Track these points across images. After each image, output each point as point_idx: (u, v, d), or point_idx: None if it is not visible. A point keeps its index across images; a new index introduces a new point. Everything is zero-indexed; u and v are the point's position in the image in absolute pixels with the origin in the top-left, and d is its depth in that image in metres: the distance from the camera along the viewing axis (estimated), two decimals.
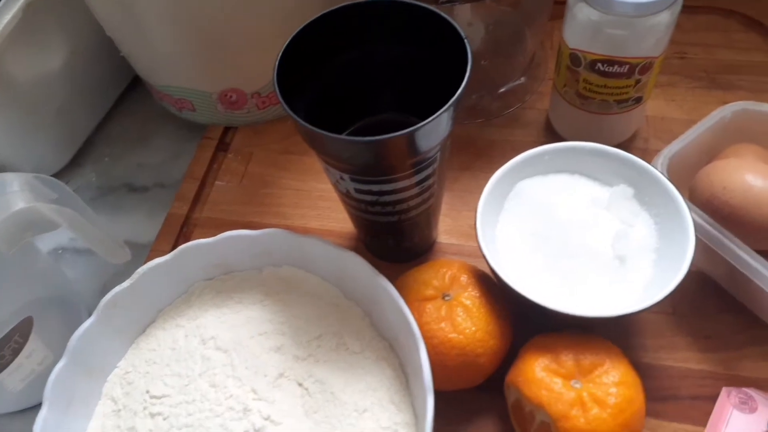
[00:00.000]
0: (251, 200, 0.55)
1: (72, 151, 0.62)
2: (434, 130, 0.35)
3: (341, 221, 0.53)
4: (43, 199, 0.40)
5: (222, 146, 0.60)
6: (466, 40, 0.35)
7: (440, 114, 0.33)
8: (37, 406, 0.48)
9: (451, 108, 0.34)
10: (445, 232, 0.51)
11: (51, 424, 0.36)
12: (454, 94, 0.34)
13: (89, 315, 0.51)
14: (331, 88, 0.40)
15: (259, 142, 0.59)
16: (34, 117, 0.57)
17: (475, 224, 0.40)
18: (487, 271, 0.43)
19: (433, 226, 0.47)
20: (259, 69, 0.54)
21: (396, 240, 0.46)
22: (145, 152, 0.63)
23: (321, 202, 0.54)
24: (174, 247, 0.53)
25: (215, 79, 0.55)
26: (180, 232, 0.54)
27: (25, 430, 0.48)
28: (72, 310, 0.49)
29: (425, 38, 0.38)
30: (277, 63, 0.36)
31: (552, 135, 0.55)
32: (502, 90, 0.57)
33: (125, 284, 0.40)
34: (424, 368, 0.35)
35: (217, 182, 0.57)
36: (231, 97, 0.56)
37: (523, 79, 0.58)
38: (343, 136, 0.33)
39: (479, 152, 0.54)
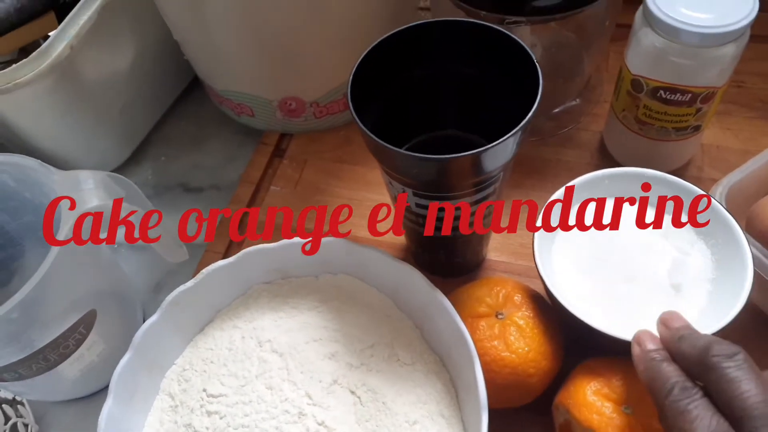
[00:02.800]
0: (305, 207, 0.56)
1: (131, 149, 0.64)
2: (501, 152, 0.35)
3: (391, 232, 0.54)
4: (114, 196, 0.42)
5: (278, 152, 0.61)
6: (537, 64, 0.36)
7: (509, 137, 0.34)
8: (89, 397, 0.50)
9: (519, 131, 0.35)
10: (494, 249, 0.51)
11: (115, 416, 0.37)
12: (518, 115, 0.34)
13: (144, 311, 0.53)
14: (397, 102, 0.41)
15: (314, 149, 0.60)
16: (100, 115, 0.59)
17: (532, 245, 0.41)
18: (540, 291, 0.43)
19: (485, 243, 0.48)
20: (321, 79, 0.55)
21: (447, 255, 0.46)
22: (201, 154, 0.64)
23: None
24: (228, 249, 0.55)
25: (277, 87, 0.56)
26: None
27: (77, 419, 0.50)
28: (128, 306, 0.50)
29: (494, 59, 0.39)
30: (351, 77, 0.37)
31: (605, 157, 0.55)
32: (556, 110, 0.58)
33: (189, 284, 0.41)
34: (479, 384, 0.35)
35: (272, 187, 0.58)
36: (290, 105, 0.57)
37: (577, 100, 0.58)
38: (412, 153, 0.34)
39: (532, 171, 0.55)
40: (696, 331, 0.33)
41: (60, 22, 0.53)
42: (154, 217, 0.44)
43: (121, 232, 0.58)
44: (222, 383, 0.40)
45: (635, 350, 0.34)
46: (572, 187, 0.43)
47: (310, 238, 0.43)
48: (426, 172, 0.35)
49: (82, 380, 0.48)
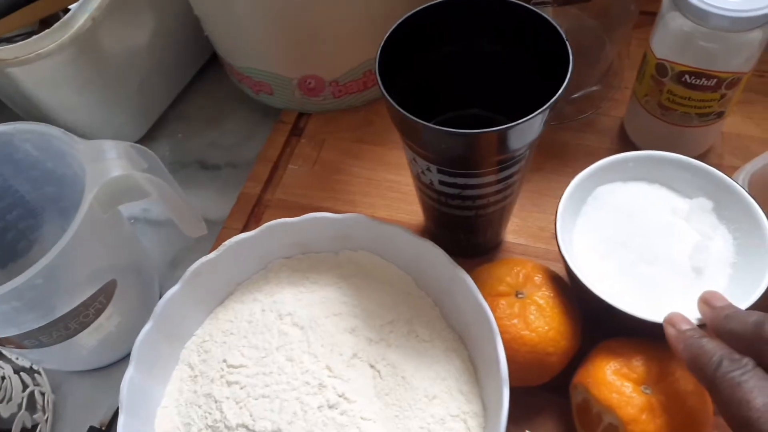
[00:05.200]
0: (322, 186, 0.57)
1: (148, 124, 0.64)
2: (528, 130, 0.35)
3: (409, 212, 0.54)
4: (137, 167, 0.42)
5: (295, 131, 0.61)
6: (567, 43, 0.36)
7: (537, 114, 0.34)
8: (104, 368, 0.51)
9: (548, 109, 0.35)
10: (512, 231, 0.51)
11: (136, 383, 0.37)
12: (543, 96, 0.34)
13: (160, 286, 0.53)
14: (423, 79, 0.41)
15: (332, 129, 0.60)
16: (118, 89, 0.59)
17: (555, 225, 0.41)
18: (559, 273, 0.43)
19: (504, 224, 0.48)
20: (341, 58, 0.55)
21: (467, 235, 0.46)
22: (218, 132, 0.64)
23: (390, 193, 0.55)
24: (245, 226, 0.55)
25: (297, 65, 0.56)
26: (252, 211, 0.56)
27: (93, 389, 0.50)
28: (146, 279, 0.50)
29: (522, 38, 0.39)
30: (378, 52, 0.37)
31: (625, 143, 0.55)
32: (576, 95, 0.57)
33: (211, 255, 0.41)
34: (500, 360, 0.35)
35: (290, 166, 0.58)
36: (310, 83, 0.57)
37: (598, 86, 0.58)
38: (442, 127, 0.34)
39: (551, 154, 0.55)
40: (740, 309, 0.33)
41: None
42: (177, 189, 0.45)
43: (139, 204, 0.59)
44: (242, 354, 0.40)
45: (670, 331, 0.34)
46: (595, 168, 0.43)
47: (331, 213, 0.43)
48: (454, 147, 0.35)
49: (99, 351, 0.48)
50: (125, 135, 0.62)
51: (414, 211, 0.53)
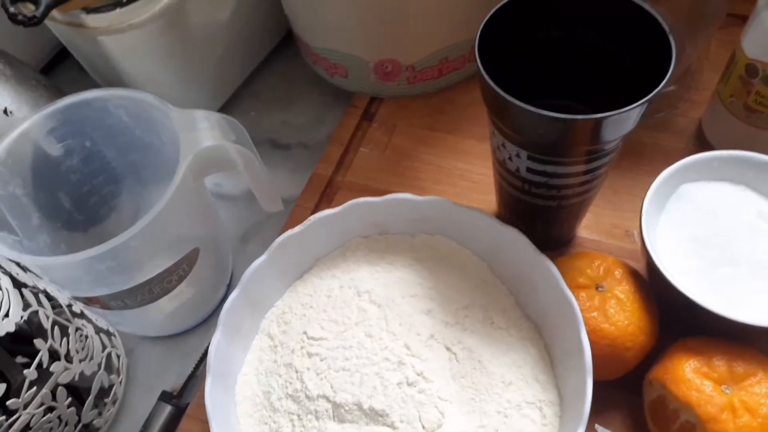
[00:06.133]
0: (393, 170, 0.57)
1: (222, 100, 0.65)
2: (625, 121, 0.35)
3: (480, 202, 0.53)
4: (227, 139, 0.43)
5: (367, 115, 0.62)
6: (670, 36, 0.36)
7: (637, 106, 0.34)
8: (175, 336, 0.52)
9: (646, 103, 0.35)
10: (585, 227, 0.51)
11: (222, 348, 0.39)
12: (636, 91, 0.34)
13: (232, 258, 0.54)
14: (516, 65, 0.41)
15: (404, 115, 0.61)
16: (198, 64, 0.60)
17: (640, 221, 0.41)
18: (638, 269, 0.43)
19: (581, 217, 0.48)
20: (421, 43, 0.56)
21: (544, 225, 0.46)
22: (290, 112, 0.65)
23: (461, 182, 0.56)
24: (317, 206, 0.56)
25: (376, 48, 0.56)
26: (323, 192, 0.56)
27: (164, 355, 0.52)
28: (222, 251, 0.52)
29: (621, 30, 0.39)
30: (478, 34, 0.37)
31: (703, 144, 0.54)
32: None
33: (297, 229, 0.42)
34: (585, 349, 0.36)
35: (361, 149, 0.59)
36: (386, 67, 0.58)
37: (675, 86, 0.58)
38: (543, 111, 0.34)
39: (627, 152, 0.54)
40: None
41: None
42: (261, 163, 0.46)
43: (212, 179, 0.60)
44: (322, 327, 0.40)
45: None
46: (681, 165, 0.43)
47: (414, 195, 0.43)
48: (551, 132, 0.36)
49: (173, 317, 0.50)
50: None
51: (485, 201, 0.53)
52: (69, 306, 0.44)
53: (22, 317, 0.38)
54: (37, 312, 0.40)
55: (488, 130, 0.42)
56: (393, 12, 0.53)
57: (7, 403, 0.38)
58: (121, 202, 0.54)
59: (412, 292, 0.42)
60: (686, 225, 0.42)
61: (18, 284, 0.40)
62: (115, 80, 0.58)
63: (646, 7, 0.37)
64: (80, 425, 0.45)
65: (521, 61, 0.42)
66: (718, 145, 0.53)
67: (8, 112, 0.48)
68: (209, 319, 0.53)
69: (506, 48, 0.40)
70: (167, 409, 0.47)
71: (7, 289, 0.38)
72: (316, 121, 0.64)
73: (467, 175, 0.56)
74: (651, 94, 0.34)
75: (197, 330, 0.52)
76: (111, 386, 0.47)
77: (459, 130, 0.59)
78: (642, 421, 0.41)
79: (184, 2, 0.53)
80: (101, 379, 0.46)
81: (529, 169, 0.40)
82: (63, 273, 0.40)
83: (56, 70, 0.71)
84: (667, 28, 0.36)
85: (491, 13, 0.38)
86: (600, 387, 0.42)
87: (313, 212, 0.55)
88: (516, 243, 0.41)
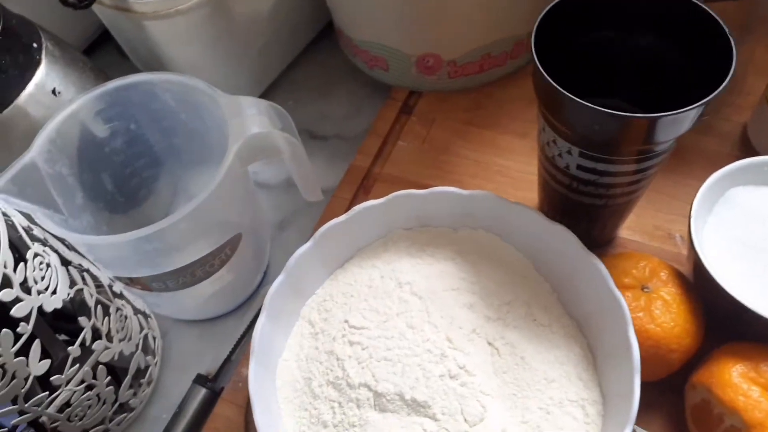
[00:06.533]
0: (431, 164, 0.57)
1: (261, 89, 0.65)
2: (681, 123, 0.35)
3: (520, 198, 0.52)
4: (274, 126, 0.43)
5: (405, 108, 0.61)
6: (732, 38, 0.35)
7: (695, 107, 0.34)
8: (209, 321, 0.52)
9: (704, 105, 0.34)
10: (627, 228, 0.51)
11: (267, 332, 0.39)
12: (691, 93, 0.34)
13: (270, 245, 0.55)
14: (569, 61, 0.41)
15: (442, 109, 0.60)
16: (240, 52, 0.60)
17: (689, 222, 0.40)
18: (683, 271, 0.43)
19: (626, 217, 0.47)
20: (464, 38, 0.55)
21: (588, 224, 0.46)
22: (328, 103, 0.65)
23: (499, 177, 0.55)
24: (354, 197, 0.56)
25: (419, 43, 0.56)
26: (361, 183, 0.56)
27: (199, 339, 0.52)
28: (260, 239, 0.52)
29: (676, 30, 0.38)
30: (535, 29, 0.37)
31: (747, 149, 0.53)
32: None
33: (342, 218, 0.42)
34: (633, 348, 0.36)
35: (399, 142, 0.59)
36: (428, 61, 0.57)
37: None
38: (601, 108, 0.34)
39: (671, 155, 0.54)
40: None
41: None
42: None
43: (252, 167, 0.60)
44: (363, 317, 0.40)
45: None
46: (730, 169, 0.42)
47: (459, 189, 0.43)
48: (607, 130, 0.35)
49: (211, 302, 0.50)
50: None
51: (523, 197, 0.53)
52: (110, 286, 0.45)
53: (69, 294, 0.39)
54: (81, 290, 0.40)
55: (538, 126, 0.41)
56: (435, 7, 0.53)
57: (51, 379, 0.39)
58: (159, 186, 0.55)
59: (453, 285, 0.42)
60: (734, 229, 0.42)
61: (65, 262, 0.40)
62: (155, 65, 0.59)
63: (706, 7, 0.37)
64: (117, 404, 0.45)
65: (574, 58, 0.41)
66: (764, 151, 0.52)
67: (56, 93, 0.48)
68: (243, 305, 0.53)
69: (560, 44, 0.40)
70: (202, 392, 0.47)
71: (55, 266, 0.38)
72: (354, 113, 0.64)
73: (505, 171, 0.56)
74: (711, 95, 0.33)
75: (232, 315, 0.53)
76: (147, 367, 0.48)
77: (498, 125, 0.58)
78: (683, 424, 0.41)
79: None
80: (138, 359, 0.46)
81: (579, 167, 0.39)
82: (110, 252, 0.41)
83: (97, 53, 0.71)
84: (727, 29, 0.36)
85: (548, 8, 0.38)
86: (641, 388, 0.42)
87: (351, 203, 0.56)
88: (563, 240, 0.40)
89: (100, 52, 0.72)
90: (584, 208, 0.43)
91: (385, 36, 0.57)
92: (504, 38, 0.57)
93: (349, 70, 0.66)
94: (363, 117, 0.63)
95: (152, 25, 0.53)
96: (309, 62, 0.68)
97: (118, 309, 0.44)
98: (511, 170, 0.56)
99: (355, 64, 0.64)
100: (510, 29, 0.56)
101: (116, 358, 0.43)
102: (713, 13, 0.37)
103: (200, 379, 0.48)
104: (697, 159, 0.54)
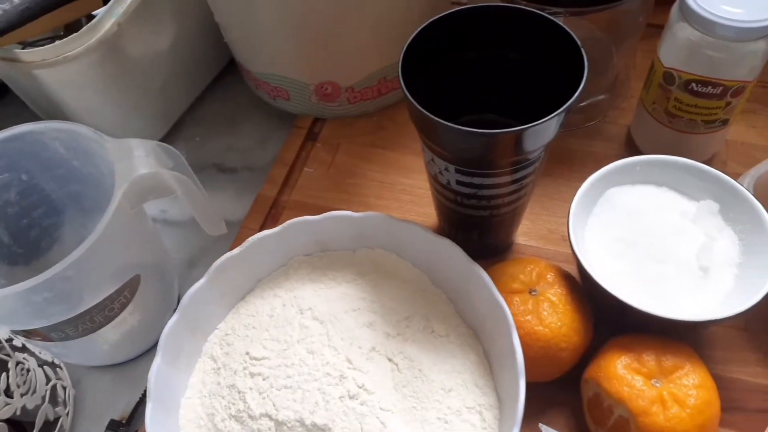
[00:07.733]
0: (337, 188, 0.58)
1: (166, 128, 0.66)
2: (544, 132, 0.37)
3: (422, 215, 0.55)
4: (164, 165, 0.43)
5: (311, 135, 0.63)
6: (582, 50, 0.37)
7: (553, 116, 0.36)
8: (123, 364, 0.52)
9: (563, 113, 0.36)
10: (523, 234, 0.53)
11: (163, 372, 0.39)
12: (555, 102, 0.36)
13: (179, 283, 0.55)
14: (440, 83, 0.43)
15: (347, 134, 0.62)
16: (139, 93, 0.60)
17: (567, 225, 0.42)
18: (571, 272, 0.45)
19: (516, 225, 0.49)
20: (358, 64, 0.57)
21: (481, 235, 0.48)
22: (235, 136, 0.66)
23: (403, 196, 0.57)
24: (262, 226, 0.57)
25: (315, 71, 0.58)
26: (269, 212, 0.57)
27: (113, 384, 0.51)
28: (166, 277, 0.52)
29: (538, 46, 0.41)
30: (402, 55, 0.39)
31: (632, 150, 0.56)
32: (584, 104, 0.59)
33: (235, 251, 0.43)
34: (517, 352, 0.37)
35: (305, 169, 0.60)
36: (326, 89, 0.59)
37: (605, 95, 0.60)
38: (463, 127, 0.35)
39: (560, 160, 0.56)
40: None
41: (105, 2, 0.55)
42: (200, 188, 0.46)
43: (158, 205, 0.60)
44: (264, 347, 0.41)
45: None
46: (606, 170, 0.45)
47: (351, 212, 0.44)
48: (473, 147, 0.37)
49: (120, 346, 0.50)
50: (144, 137, 0.64)
51: (426, 213, 0.55)
52: (9, 340, 0.44)
53: None
54: None
55: (420, 146, 0.43)
56: (329, 39, 0.54)
57: None
58: (64, 233, 0.54)
59: (354, 306, 0.43)
60: (613, 227, 0.44)
61: None
62: (55, 113, 0.58)
63: (560, 23, 0.39)
64: None
65: (448, 80, 0.43)
66: (647, 150, 0.55)
67: None
68: (156, 346, 0.52)
69: (432, 68, 0.42)
70: None
71: None
72: (261, 143, 0.65)
73: (409, 190, 0.57)
74: (564, 107, 0.35)
75: (147, 357, 0.52)
76: (57, 419, 0.47)
77: (400, 146, 0.60)
78: (583, 419, 0.42)
79: (120, 34, 0.54)
80: (45, 411, 0.45)
81: (458, 182, 0.41)
82: None
83: None
84: (579, 43, 0.38)
85: (412, 36, 0.39)
86: (542, 388, 0.43)
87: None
88: (450, 253, 0.42)
89: (3, 103, 0.71)
90: (472, 219, 0.45)
91: (283, 67, 0.59)
92: (397, 62, 0.58)
93: (255, 102, 0.66)
94: (270, 147, 0.64)
95: (43, 74, 0.53)
96: (214, 97, 0.69)
97: (18, 363, 0.44)
98: (415, 188, 0.57)
99: (260, 96, 0.65)
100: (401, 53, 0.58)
101: (18, 413, 0.42)
102: (567, 28, 0.39)
103: (113, 425, 0.47)
104: (587, 162, 0.56)
